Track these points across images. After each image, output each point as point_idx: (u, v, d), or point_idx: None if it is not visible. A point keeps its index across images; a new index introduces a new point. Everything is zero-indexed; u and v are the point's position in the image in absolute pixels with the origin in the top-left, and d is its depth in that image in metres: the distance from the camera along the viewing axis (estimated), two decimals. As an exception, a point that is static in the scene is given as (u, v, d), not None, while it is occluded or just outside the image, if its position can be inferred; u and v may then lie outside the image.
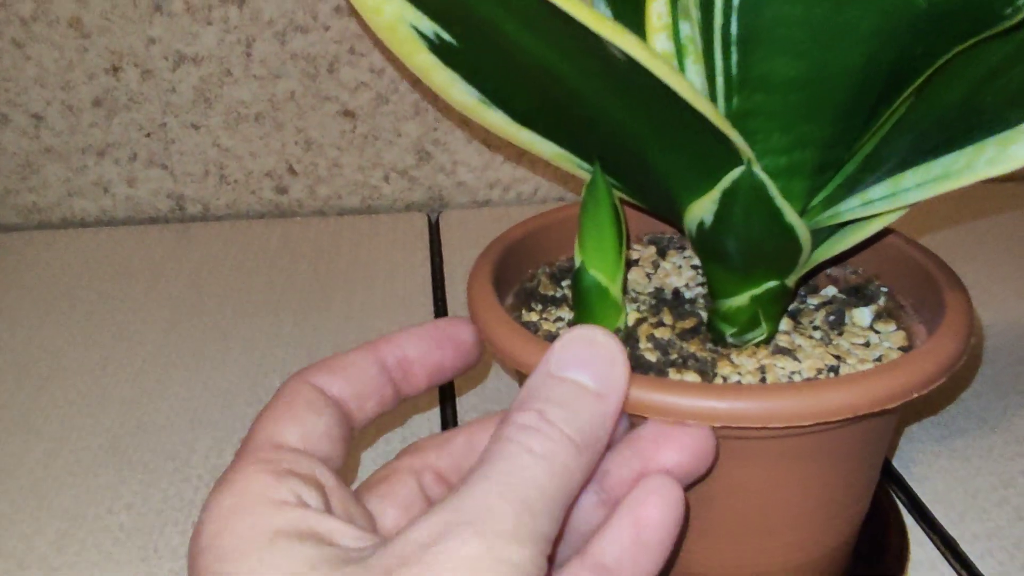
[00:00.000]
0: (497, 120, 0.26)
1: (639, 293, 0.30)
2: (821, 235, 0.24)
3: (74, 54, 0.53)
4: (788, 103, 0.21)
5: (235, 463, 0.21)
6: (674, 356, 0.26)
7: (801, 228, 0.23)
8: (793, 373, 0.24)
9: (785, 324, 0.27)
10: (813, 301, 0.29)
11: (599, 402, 0.20)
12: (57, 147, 0.55)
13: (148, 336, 0.44)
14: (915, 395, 0.22)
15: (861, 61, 0.20)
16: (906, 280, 0.27)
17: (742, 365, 0.25)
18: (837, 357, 0.25)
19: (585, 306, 0.27)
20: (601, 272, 0.26)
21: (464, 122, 0.57)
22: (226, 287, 0.49)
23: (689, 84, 0.20)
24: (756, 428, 0.21)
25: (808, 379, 0.24)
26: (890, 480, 0.34)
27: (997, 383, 0.39)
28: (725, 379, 0.25)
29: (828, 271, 0.30)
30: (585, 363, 0.20)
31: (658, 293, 0.30)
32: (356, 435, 0.24)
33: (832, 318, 0.27)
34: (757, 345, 0.26)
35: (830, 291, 0.29)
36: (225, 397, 0.40)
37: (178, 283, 0.49)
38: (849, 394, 0.21)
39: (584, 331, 0.21)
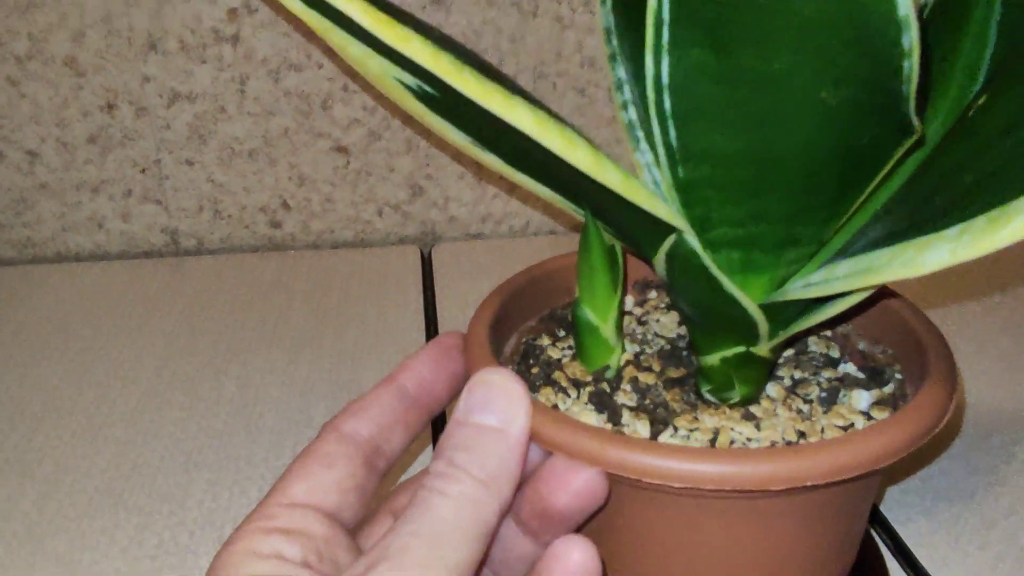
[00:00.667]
0: (492, 160, 0.26)
1: (656, 336, 0.31)
2: (797, 306, 0.24)
3: (69, 92, 0.53)
4: (734, 177, 0.22)
5: (244, 520, 0.23)
6: (647, 402, 0.27)
7: (744, 299, 0.23)
8: (749, 440, 0.25)
9: (777, 391, 0.27)
10: (825, 374, 0.28)
11: (501, 438, 0.22)
12: (52, 183, 0.55)
13: (142, 374, 0.45)
14: (869, 470, 0.22)
15: (800, 143, 0.21)
16: (909, 358, 0.28)
17: (702, 423, 0.26)
18: (802, 433, 0.25)
19: (579, 340, 0.29)
20: (593, 311, 0.28)
21: (457, 157, 0.57)
22: (220, 323, 0.49)
23: (614, 170, 0.21)
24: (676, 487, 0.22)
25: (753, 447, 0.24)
26: (873, 521, 0.34)
27: (981, 426, 0.40)
28: (676, 431, 0.25)
29: (861, 346, 0.30)
30: (486, 405, 0.23)
31: (672, 340, 0.31)
32: (389, 467, 0.26)
33: (824, 395, 0.27)
34: (732, 406, 0.26)
35: (847, 368, 0.29)
36: (220, 438, 0.40)
37: (172, 319, 0.50)
38: (763, 468, 0.21)
39: (482, 375, 0.23)
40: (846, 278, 0.21)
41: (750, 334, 0.24)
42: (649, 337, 0.31)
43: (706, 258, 0.22)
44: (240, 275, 0.55)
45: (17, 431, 0.40)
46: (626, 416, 0.26)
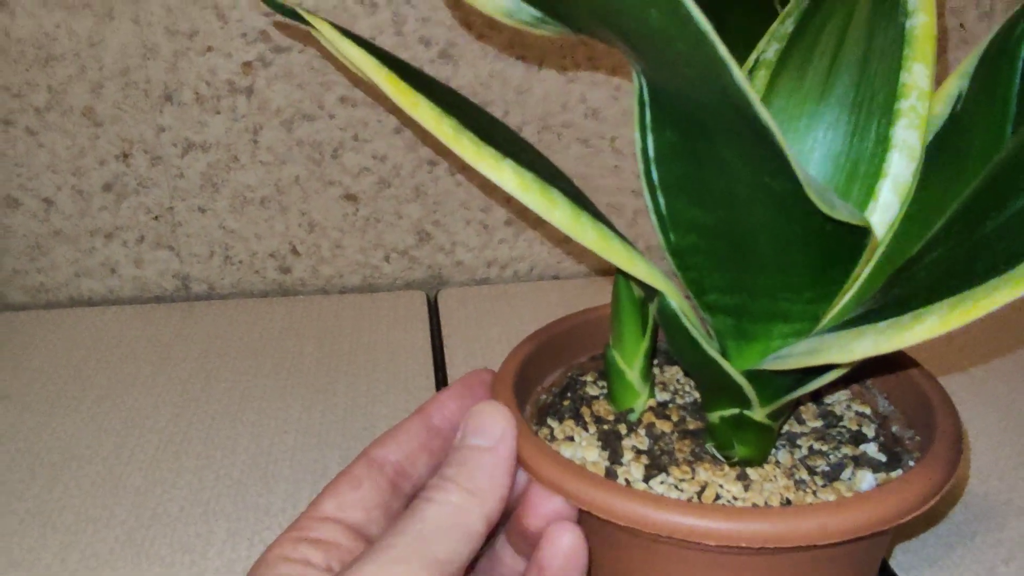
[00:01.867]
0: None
1: (691, 389, 0.32)
2: (788, 376, 0.25)
3: (86, 141, 0.54)
4: (717, 248, 0.23)
5: (282, 532, 0.26)
6: (656, 448, 0.28)
7: (724, 363, 0.25)
8: (734, 499, 0.26)
9: (786, 458, 0.28)
10: (845, 450, 0.29)
11: (490, 455, 0.26)
12: (66, 230, 0.56)
13: (159, 422, 0.46)
14: (852, 537, 0.23)
15: (761, 223, 0.22)
16: (923, 427, 0.28)
17: (696, 476, 0.27)
18: (788, 501, 0.26)
19: (608, 378, 0.31)
20: (621, 356, 0.29)
21: (464, 203, 0.59)
22: (233, 369, 0.50)
23: (592, 229, 0.23)
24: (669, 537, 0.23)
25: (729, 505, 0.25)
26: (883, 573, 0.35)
27: (984, 474, 0.41)
28: (667, 478, 0.27)
29: (895, 429, 0.30)
30: (477, 429, 0.26)
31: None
32: (415, 489, 0.29)
33: (828, 469, 0.28)
34: (733, 464, 0.27)
35: (869, 448, 0.29)
36: (237, 487, 0.41)
37: (186, 365, 0.51)
38: (745, 525, 0.22)
39: (480, 406, 0.27)
40: (799, 356, 0.22)
41: (740, 397, 0.26)
42: (683, 389, 0.32)
43: (685, 320, 0.24)
44: (251, 320, 0.56)
45: (37, 481, 0.41)
46: (627, 457, 0.28)
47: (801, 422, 0.30)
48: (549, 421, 0.30)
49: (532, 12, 0.22)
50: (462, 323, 0.56)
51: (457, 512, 0.24)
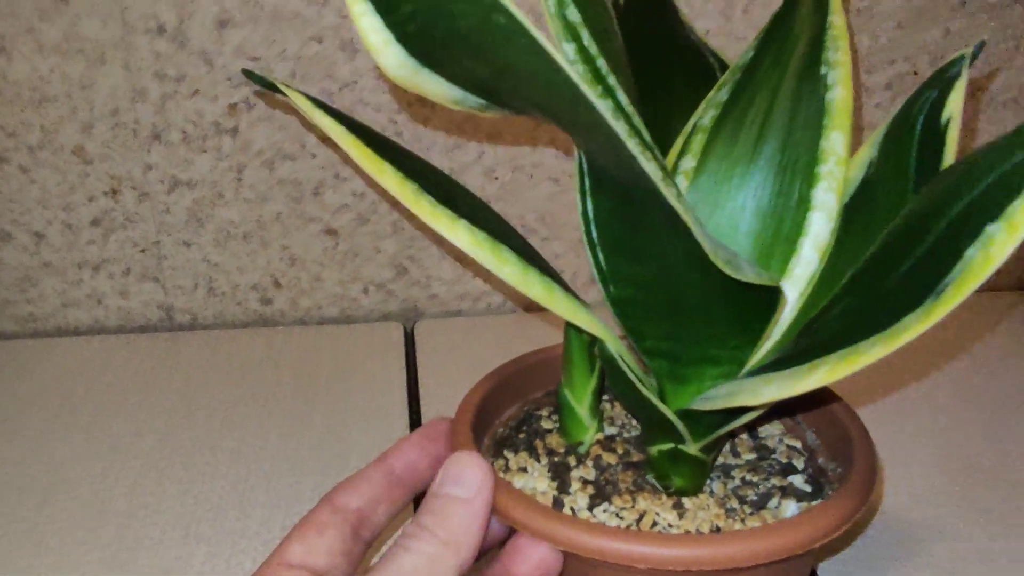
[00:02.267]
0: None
1: (636, 424, 0.35)
2: (716, 414, 0.28)
3: (76, 178, 0.57)
4: (651, 300, 0.26)
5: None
6: (601, 478, 0.31)
7: (657, 402, 0.27)
8: (670, 526, 0.29)
9: (720, 488, 0.31)
10: (773, 481, 0.32)
11: (467, 506, 0.27)
12: (55, 262, 0.59)
13: (143, 448, 0.48)
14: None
15: (686, 280, 0.25)
16: (844, 459, 0.31)
17: (636, 504, 0.30)
18: (718, 528, 0.29)
19: (560, 413, 0.33)
20: (571, 393, 0.32)
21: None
22: (214, 398, 0.52)
23: (538, 283, 0.26)
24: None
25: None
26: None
27: (916, 499, 0.44)
28: (610, 506, 0.29)
29: (820, 461, 0.33)
30: (456, 479, 0.28)
31: None
32: (374, 536, 0.30)
33: (756, 499, 0.30)
34: (671, 494, 0.30)
35: (796, 479, 0.32)
36: (216, 512, 0.43)
37: (169, 393, 0.53)
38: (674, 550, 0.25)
39: (458, 455, 0.28)
40: (719, 399, 0.25)
41: (675, 433, 0.28)
42: (630, 423, 0.35)
43: (623, 363, 0.26)
44: (232, 350, 0.58)
45: (26, 505, 0.43)
46: (574, 487, 0.30)
47: (736, 455, 0.33)
48: (505, 453, 0.33)
49: (478, 100, 0.24)
50: (437, 354, 0.58)
51: (432, 562, 0.26)
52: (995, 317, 0.64)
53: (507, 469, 0.32)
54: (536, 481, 0.31)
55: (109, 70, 0.55)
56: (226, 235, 0.59)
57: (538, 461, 0.32)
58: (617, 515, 0.29)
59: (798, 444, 0.34)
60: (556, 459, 0.32)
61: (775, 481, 0.31)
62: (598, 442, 0.33)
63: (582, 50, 0.25)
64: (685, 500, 0.30)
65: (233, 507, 0.43)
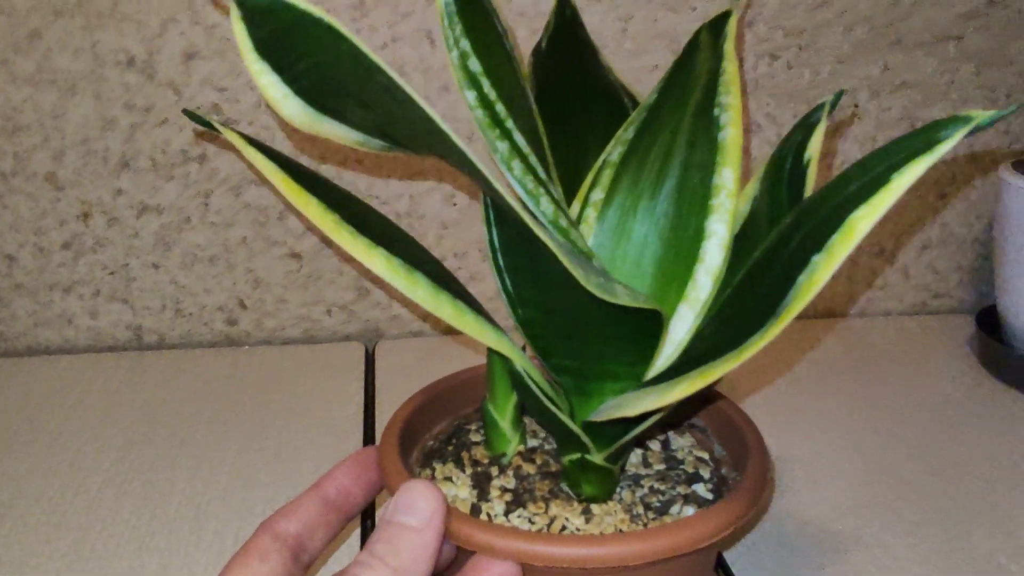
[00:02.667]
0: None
1: None
2: (617, 425, 0.30)
3: (48, 204, 0.59)
4: (552, 322, 0.29)
5: None
6: (519, 487, 0.33)
7: (561, 415, 0.30)
8: (578, 530, 0.31)
9: (628, 496, 0.33)
10: (679, 489, 0.34)
11: (418, 535, 0.28)
12: (27, 284, 0.61)
13: (103, 464, 0.50)
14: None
15: (580, 305, 0.27)
16: (738, 459, 0.33)
17: (549, 511, 0.32)
18: (620, 531, 0.31)
19: (485, 427, 0.35)
20: (494, 408, 0.34)
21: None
22: (176, 415, 0.54)
23: (449, 305, 0.27)
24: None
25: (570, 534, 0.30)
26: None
27: (841, 511, 0.46)
28: (524, 512, 0.31)
29: (724, 471, 0.35)
30: (409, 507, 0.28)
31: None
32: (312, 560, 0.31)
33: (659, 505, 0.33)
34: (582, 501, 0.32)
35: (699, 488, 0.34)
36: (171, 524, 0.45)
37: (132, 411, 0.55)
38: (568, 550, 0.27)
39: (409, 484, 0.29)
40: (608, 410, 0.27)
41: (581, 444, 0.30)
42: (551, 436, 0.37)
43: (529, 379, 0.29)
44: (197, 369, 0.60)
45: (-13, 517, 0.45)
46: (493, 495, 0.32)
47: (648, 465, 0.35)
48: (434, 463, 0.35)
49: (379, 142, 0.27)
50: (396, 373, 0.60)
51: None
52: (931, 339, 0.66)
53: (433, 479, 0.34)
54: (458, 490, 0.33)
55: (80, 100, 0.57)
56: (193, 258, 0.62)
57: (463, 471, 0.34)
58: (530, 520, 0.31)
59: (706, 455, 0.36)
60: (480, 469, 0.34)
61: (680, 489, 0.33)
62: (520, 454, 0.35)
63: (482, 97, 0.27)
64: (594, 507, 0.32)
65: (188, 520, 0.45)
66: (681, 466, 0.35)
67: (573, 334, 0.28)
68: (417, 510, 0.28)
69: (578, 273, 0.23)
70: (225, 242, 0.62)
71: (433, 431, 0.37)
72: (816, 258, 0.21)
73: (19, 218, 0.59)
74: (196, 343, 0.64)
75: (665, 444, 0.37)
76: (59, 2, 0.55)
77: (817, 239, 0.21)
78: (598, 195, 0.32)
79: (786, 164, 0.29)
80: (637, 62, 0.61)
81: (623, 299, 0.25)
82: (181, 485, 0.48)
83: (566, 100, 0.35)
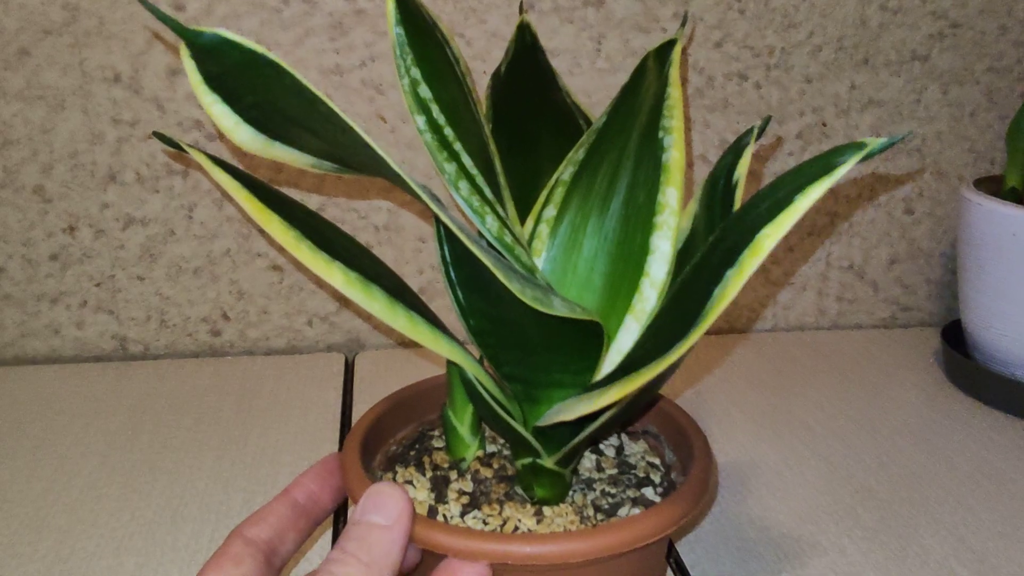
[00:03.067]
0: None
1: None
2: (564, 430, 0.32)
3: (36, 216, 0.61)
4: (500, 332, 0.30)
5: None
6: (476, 490, 0.34)
7: (511, 421, 0.31)
8: (528, 530, 0.32)
9: (580, 499, 0.35)
10: (629, 493, 0.35)
11: (386, 532, 0.29)
12: (15, 294, 0.62)
13: (85, 468, 0.51)
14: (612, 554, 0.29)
15: (525, 318, 0.28)
16: (682, 454, 0.35)
17: (503, 512, 0.33)
18: (568, 531, 0.32)
19: (445, 433, 0.37)
20: (453, 415, 0.35)
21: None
22: (158, 422, 0.56)
23: (405, 317, 0.29)
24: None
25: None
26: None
27: (801, 519, 0.48)
28: (479, 513, 0.33)
29: (673, 476, 0.37)
30: (376, 508, 0.29)
31: None
32: (283, 564, 0.32)
33: (607, 507, 0.34)
34: (535, 503, 0.34)
35: (648, 491, 0.36)
36: (148, 527, 0.46)
37: (116, 418, 0.56)
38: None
39: (377, 486, 0.30)
40: (549, 415, 0.29)
41: (531, 449, 0.32)
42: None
43: (480, 387, 0.30)
44: (181, 378, 0.62)
45: (-29, 519, 0.46)
46: (451, 497, 0.34)
47: (601, 470, 0.37)
48: (396, 467, 0.37)
49: (331, 165, 0.28)
50: (374, 383, 0.62)
51: None
52: (899, 352, 0.68)
53: (394, 482, 0.36)
54: (417, 492, 0.34)
55: (68, 115, 0.59)
56: (177, 270, 0.63)
57: (423, 475, 0.36)
58: (484, 521, 0.33)
59: (657, 461, 0.37)
60: (439, 473, 0.36)
61: (630, 493, 0.35)
62: (478, 458, 0.36)
63: (431, 121, 0.29)
64: (546, 509, 0.33)
65: (165, 522, 0.47)
66: (633, 471, 0.36)
67: (520, 345, 0.30)
68: (385, 509, 0.29)
69: (514, 287, 0.25)
70: (209, 254, 0.63)
71: (397, 436, 0.38)
72: (729, 272, 0.22)
73: (8, 230, 0.61)
74: (180, 353, 0.66)
75: (619, 450, 0.38)
76: (47, 21, 0.57)
77: (731, 255, 0.22)
78: (550, 212, 0.34)
79: (719, 184, 0.31)
80: (611, 79, 0.63)
81: (561, 311, 0.26)
82: (160, 488, 0.49)
83: (523, 122, 0.37)
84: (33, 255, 0.62)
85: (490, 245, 0.31)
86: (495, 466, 0.36)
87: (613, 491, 0.35)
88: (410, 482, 0.35)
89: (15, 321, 0.63)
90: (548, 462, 0.33)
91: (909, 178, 0.69)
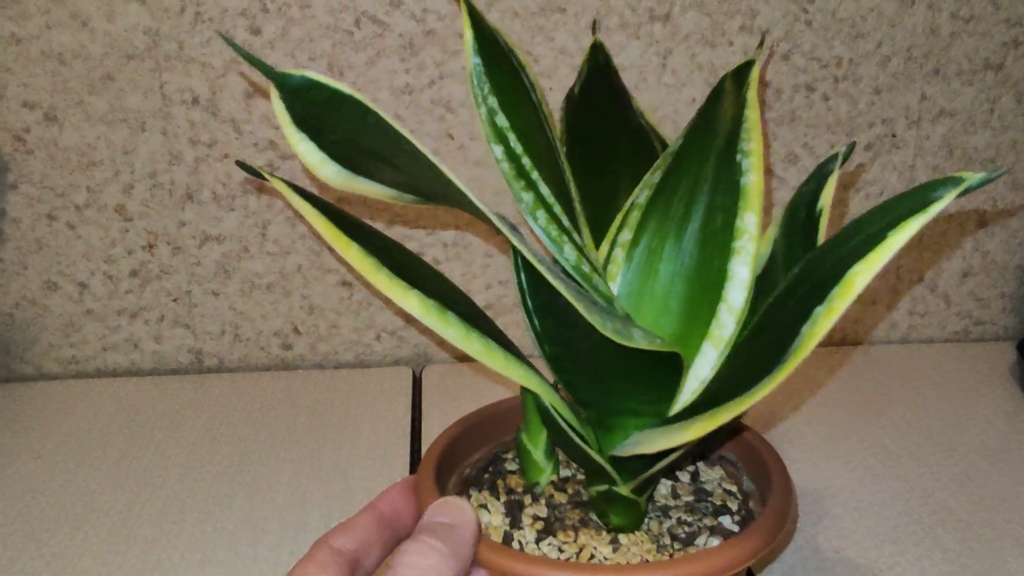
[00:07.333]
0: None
1: None
2: (641, 459, 0.32)
3: (117, 234, 0.63)
4: (576, 358, 0.30)
5: None
6: (551, 515, 0.35)
7: (587, 449, 0.31)
8: (605, 559, 0.32)
9: (656, 527, 0.35)
10: (706, 522, 0.35)
11: (455, 531, 0.30)
12: (97, 310, 0.65)
13: (168, 480, 0.53)
14: None
15: (601, 342, 0.28)
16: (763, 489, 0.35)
17: (578, 539, 0.33)
18: (647, 562, 0.32)
19: (520, 457, 0.37)
20: (528, 439, 0.36)
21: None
22: (235, 435, 0.58)
23: (479, 342, 0.29)
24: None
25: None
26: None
27: (862, 547, 0.47)
28: (553, 540, 0.33)
29: (751, 504, 0.36)
30: (444, 512, 0.31)
31: None
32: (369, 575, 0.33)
33: (684, 536, 0.34)
34: (610, 530, 0.34)
35: (726, 520, 0.35)
36: (230, 539, 0.48)
37: (195, 430, 0.58)
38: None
39: (443, 498, 0.32)
40: (628, 446, 0.29)
41: (607, 476, 0.32)
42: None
43: (556, 414, 0.31)
44: (254, 391, 0.63)
45: (62, 529, 0.48)
46: (526, 522, 0.34)
47: (676, 497, 0.37)
48: (470, 491, 0.37)
49: (411, 197, 0.29)
50: (442, 397, 0.63)
51: (432, 569, 0.28)
52: (973, 367, 0.66)
53: (469, 504, 0.36)
54: (492, 517, 0.35)
55: (148, 137, 0.61)
56: (251, 286, 0.65)
57: (497, 499, 0.36)
58: (559, 548, 0.33)
59: (735, 488, 0.37)
60: (513, 497, 0.36)
61: (707, 521, 0.35)
62: (552, 483, 0.37)
63: (509, 151, 0.29)
64: (622, 536, 0.34)
65: (246, 535, 0.48)
66: (709, 498, 0.36)
67: (596, 373, 0.30)
68: (452, 514, 0.30)
69: (595, 320, 0.25)
70: (281, 270, 0.65)
71: (472, 459, 0.39)
72: (818, 309, 0.22)
73: (91, 247, 0.63)
74: (253, 367, 0.67)
75: (695, 476, 0.38)
76: (130, 47, 0.59)
77: (820, 291, 0.22)
78: (626, 236, 0.34)
79: (800, 213, 0.31)
80: (677, 95, 0.63)
81: (641, 343, 0.26)
82: (240, 501, 0.51)
83: (598, 144, 0.37)
84: (114, 271, 0.64)
85: (566, 273, 0.31)
86: (570, 491, 0.36)
87: (690, 519, 0.35)
88: (484, 506, 0.36)
89: (97, 335, 0.65)
90: (623, 490, 0.33)
91: (982, 189, 0.68)
